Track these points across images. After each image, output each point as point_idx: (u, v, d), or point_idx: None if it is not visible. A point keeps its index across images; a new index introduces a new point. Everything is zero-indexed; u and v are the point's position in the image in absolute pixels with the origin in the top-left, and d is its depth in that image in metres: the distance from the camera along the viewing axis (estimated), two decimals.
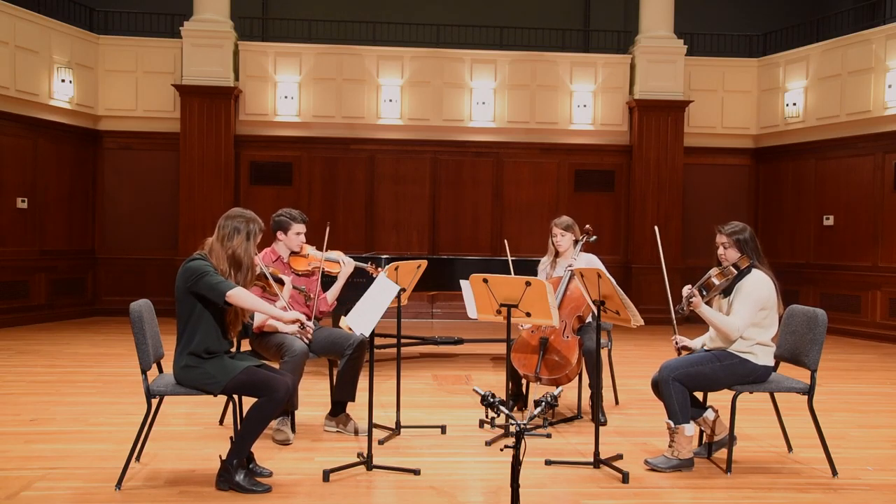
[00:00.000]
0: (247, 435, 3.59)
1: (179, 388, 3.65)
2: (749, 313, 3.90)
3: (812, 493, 3.73)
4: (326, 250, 4.73)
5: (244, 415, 3.62)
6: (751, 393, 4.01)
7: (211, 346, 3.60)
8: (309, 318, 4.73)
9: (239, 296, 3.51)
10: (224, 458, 3.60)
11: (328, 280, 4.85)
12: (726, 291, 4.02)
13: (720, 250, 4.05)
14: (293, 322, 3.82)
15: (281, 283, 4.05)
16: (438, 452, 4.29)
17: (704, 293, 3.93)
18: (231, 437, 3.66)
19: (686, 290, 3.91)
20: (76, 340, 8.42)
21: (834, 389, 6.29)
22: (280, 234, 4.67)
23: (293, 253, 4.71)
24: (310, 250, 4.74)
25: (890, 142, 9.39)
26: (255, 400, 3.60)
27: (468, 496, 3.62)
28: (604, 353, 5.19)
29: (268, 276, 3.91)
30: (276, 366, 4.18)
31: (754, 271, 3.97)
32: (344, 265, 4.70)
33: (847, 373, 7.24)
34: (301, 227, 4.67)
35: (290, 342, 4.29)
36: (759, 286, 3.92)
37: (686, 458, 3.97)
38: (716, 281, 3.93)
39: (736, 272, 3.96)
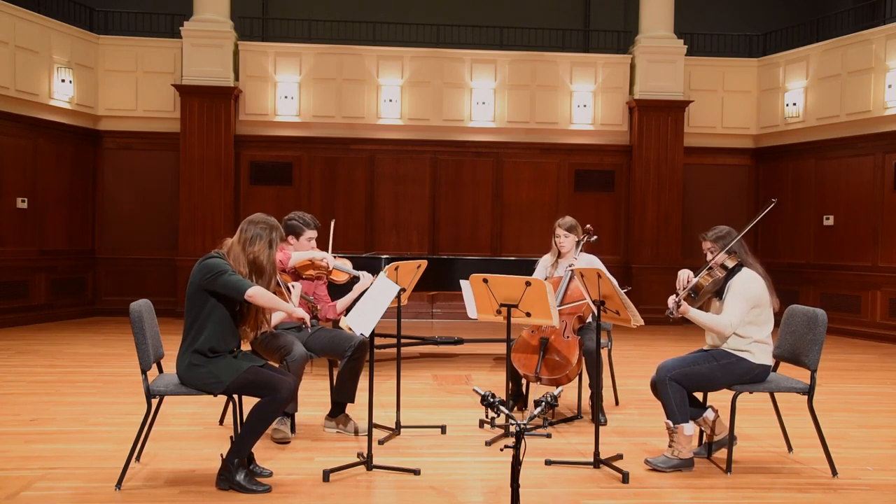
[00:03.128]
0: (248, 435, 3.59)
1: (179, 387, 3.65)
2: (740, 310, 3.90)
3: (812, 493, 3.73)
4: (334, 254, 4.70)
5: (246, 415, 3.63)
6: (751, 393, 4.01)
7: (216, 345, 3.60)
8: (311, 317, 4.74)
9: (259, 294, 3.50)
10: (225, 457, 3.60)
11: (333, 287, 4.82)
12: (719, 293, 4.02)
13: (708, 256, 4.06)
14: (300, 320, 3.80)
15: (289, 291, 4.04)
16: (438, 452, 4.29)
17: (694, 296, 3.94)
18: (231, 437, 3.66)
19: (672, 297, 3.91)
20: (76, 340, 8.42)
21: (834, 389, 6.29)
22: (291, 239, 4.62)
23: None
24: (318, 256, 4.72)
25: (890, 142, 9.39)
26: (253, 401, 3.60)
27: (468, 496, 3.62)
28: (604, 353, 5.19)
29: (280, 283, 3.90)
30: (277, 366, 4.18)
31: (744, 269, 3.98)
32: (362, 279, 4.56)
33: (847, 373, 7.24)
34: (313, 233, 4.63)
35: (290, 346, 4.29)
36: (749, 283, 3.93)
37: (686, 458, 3.97)
38: (704, 283, 3.94)
39: (725, 271, 3.97)
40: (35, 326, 9.46)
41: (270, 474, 3.76)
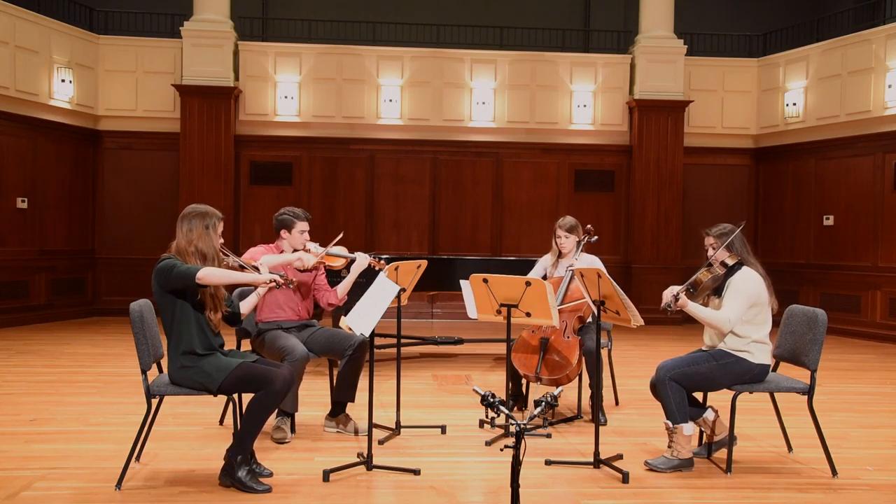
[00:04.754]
0: (248, 430, 3.60)
1: (179, 387, 3.66)
2: (739, 306, 3.89)
3: (812, 493, 3.73)
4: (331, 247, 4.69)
5: (244, 410, 3.64)
6: (750, 393, 4.01)
7: (202, 342, 3.62)
8: (311, 316, 4.72)
9: (209, 273, 3.51)
10: (227, 453, 3.62)
11: (332, 275, 4.82)
12: (718, 291, 4.02)
13: (709, 252, 4.06)
14: (269, 283, 3.73)
15: (257, 270, 3.99)
16: (438, 452, 4.29)
17: (693, 291, 3.93)
18: (234, 434, 3.66)
19: (672, 290, 3.89)
20: (76, 340, 8.42)
21: (834, 389, 6.29)
22: (284, 233, 4.61)
23: (296, 249, 4.68)
24: (311, 247, 4.70)
25: (890, 142, 9.39)
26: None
27: (468, 496, 3.62)
28: (604, 353, 5.19)
29: (243, 265, 3.86)
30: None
31: (744, 268, 3.98)
32: (358, 258, 4.59)
33: (847, 373, 7.24)
34: (305, 226, 4.62)
35: (290, 346, 4.29)
36: (749, 282, 3.92)
37: (686, 458, 3.96)
38: (703, 278, 3.93)
39: (724, 269, 3.97)
40: (35, 326, 9.46)
41: (271, 474, 3.76)
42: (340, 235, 4.89)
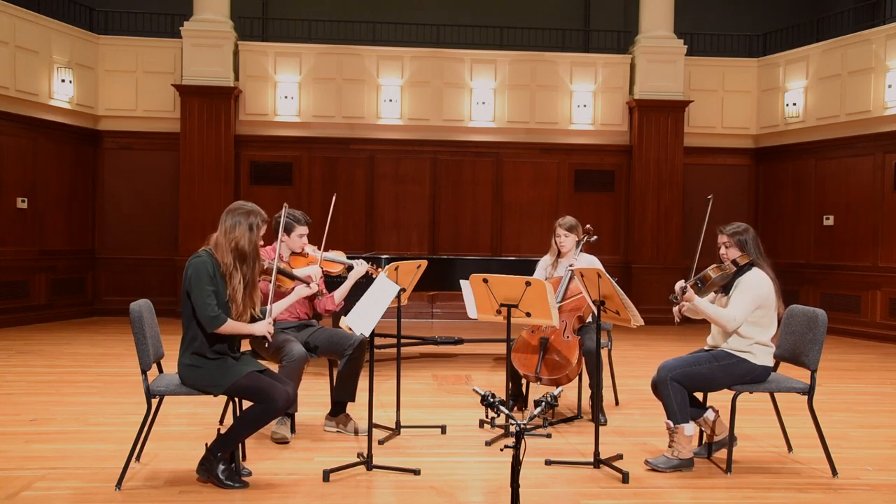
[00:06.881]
0: (237, 433, 3.62)
1: (179, 388, 3.66)
2: (746, 306, 3.90)
3: (812, 493, 3.73)
4: (328, 250, 4.70)
5: (240, 413, 3.65)
6: (751, 393, 4.01)
7: (214, 346, 3.61)
8: (311, 316, 4.73)
9: (224, 331, 3.56)
10: (209, 446, 3.64)
11: (330, 280, 4.82)
12: (726, 288, 4.02)
13: (722, 250, 4.06)
14: (261, 335, 3.73)
15: (291, 277, 4.02)
16: (438, 452, 4.29)
17: (700, 286, 3.93)
18: (219, 430, 3.66)
19: (680, 283, 3.91)
20: (76, 340, 8.41)
21: (834, 389, 6.29)
22: (283, 235, 4.62)
23: (293, 252, 4.70)
24: (310, 250, 4.72)
25: (890, 142, 9.39)
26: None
27: (468, 496, 3.62)
28: (604, 353, 5.19)
29: (285, 273, 3.88)
30: (275, 368, 4.17)
31: (755, 269, 3.98)
32: (356, 266, 4.62)
33: (847, 373, 7.24)
34: (304, 229, 4.65)
35: (289, 346, 4.28)
36: (758, 283, 3.93)
37: (686, 458, 3.96)
38: (712, 274, 3.93)
39: (735, 268, 3.97)
40: (35, 326, 9.45)
41: (249, 474, 3.76)
42: (327, 224, 4.85)
